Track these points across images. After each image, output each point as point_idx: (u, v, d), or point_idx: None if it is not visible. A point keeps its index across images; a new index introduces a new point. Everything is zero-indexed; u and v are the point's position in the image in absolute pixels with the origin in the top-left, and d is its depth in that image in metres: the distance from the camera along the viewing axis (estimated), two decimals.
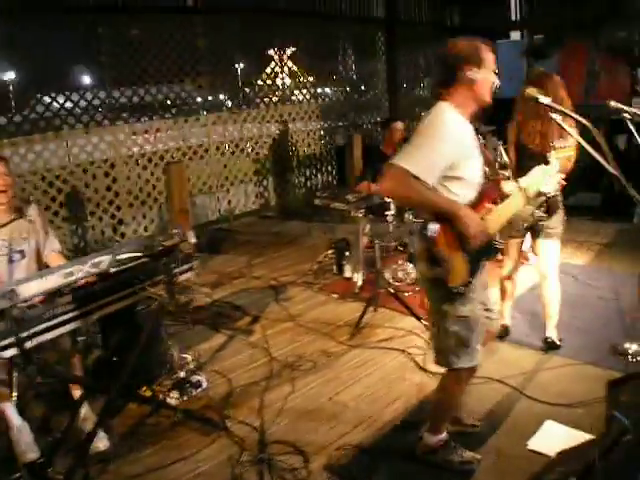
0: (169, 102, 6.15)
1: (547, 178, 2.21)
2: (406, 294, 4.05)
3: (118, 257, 2.24)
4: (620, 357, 3.07)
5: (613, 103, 2.86)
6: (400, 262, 4.43)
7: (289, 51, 7.63)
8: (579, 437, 2.37)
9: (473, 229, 1.92)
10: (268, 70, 7.35)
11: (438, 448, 2.32)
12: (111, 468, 2.44)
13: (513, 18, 10.85)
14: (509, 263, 3.30)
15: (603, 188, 6.14)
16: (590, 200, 5.91)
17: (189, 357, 3.30)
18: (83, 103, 5.41)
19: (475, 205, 1.99)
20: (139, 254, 2.29)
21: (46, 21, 5.12)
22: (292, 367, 3.22)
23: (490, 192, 2.05)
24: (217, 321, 3.89)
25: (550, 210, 3.01)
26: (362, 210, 3.80)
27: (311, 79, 7.70)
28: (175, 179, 4.34)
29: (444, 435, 2.34)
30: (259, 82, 7.37)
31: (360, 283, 4.24)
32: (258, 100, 7.17)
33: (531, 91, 2.02)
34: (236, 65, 7.31)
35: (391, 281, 4.20)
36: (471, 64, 1.94)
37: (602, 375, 2.75)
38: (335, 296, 4.24)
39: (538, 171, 2.23)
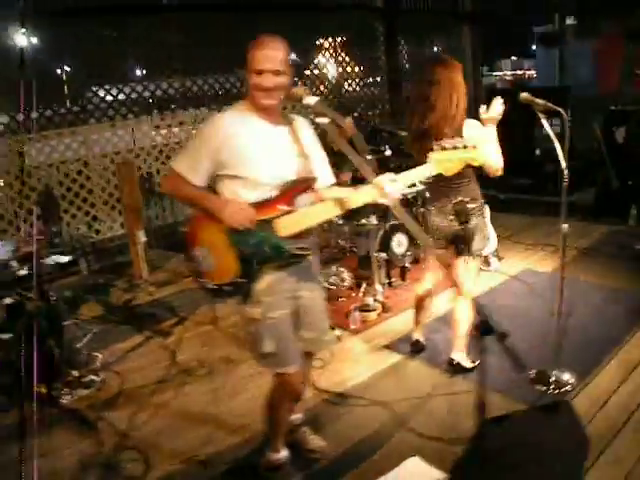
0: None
1: (386, 190, 1.85)
2: (340, 299, 4.09)
3: None
4: (540, 387, 2.79)
5: (524, 95, 2.65)
6: (337, 267, 4.40)
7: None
8: (438, 478, 2.20)
9: (231, 220, 1.86)
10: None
11: (277, 467, 2.32)
12: None
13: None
14: (427, 278, 3.11)
15: (600, 185, 5.55)
16: (583, 198, 5.32)
17: (99, 356, 3.49)
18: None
19: (264, 205, 1.91)
20: None
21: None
22: (188, 372, 3.32)
23: (287, 194, 1.94)
24: (143, 321, 4.04)
25: (459, 217, 2.76)
26: None
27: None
28: (125, 179, 4.50)
29: (281, 455, 2.34)
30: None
31: None
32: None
33: (297, 90, 1.86)
34: None
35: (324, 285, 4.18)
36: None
37: (505, 407, 2.54)
38: None
39: (376, 182, 1.98)
